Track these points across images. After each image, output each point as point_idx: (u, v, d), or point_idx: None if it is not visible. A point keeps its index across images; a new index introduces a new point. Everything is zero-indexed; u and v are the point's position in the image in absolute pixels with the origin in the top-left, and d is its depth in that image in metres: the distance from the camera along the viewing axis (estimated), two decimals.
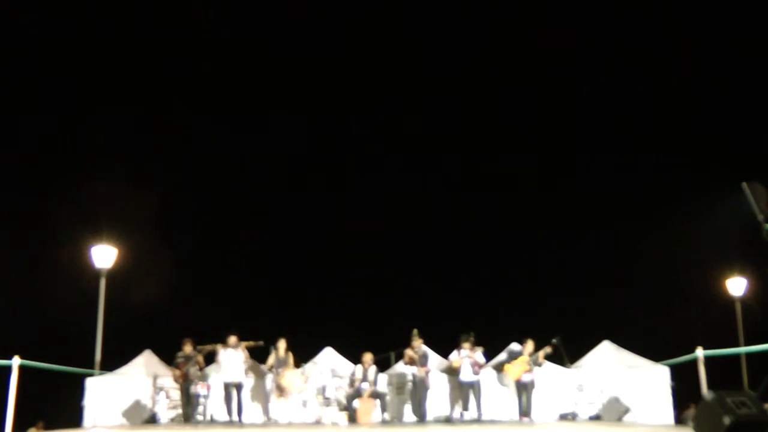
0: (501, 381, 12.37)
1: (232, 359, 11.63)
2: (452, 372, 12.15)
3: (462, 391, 11.70)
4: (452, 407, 12.16)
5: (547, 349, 11.86)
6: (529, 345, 11.96)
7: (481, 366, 11.70)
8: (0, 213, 19.84)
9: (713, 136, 23.94)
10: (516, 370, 11.82)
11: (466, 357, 11.59)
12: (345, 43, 25.69)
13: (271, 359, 11.83)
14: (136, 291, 18.65)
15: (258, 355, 12.06)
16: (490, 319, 18.25)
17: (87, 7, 24.22)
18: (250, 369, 12.18)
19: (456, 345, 11.84)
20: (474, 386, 11.57)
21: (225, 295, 20.92)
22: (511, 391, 12.10)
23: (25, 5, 23.46)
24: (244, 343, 11.70)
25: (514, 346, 12.56)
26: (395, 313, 19.79)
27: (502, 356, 12.65)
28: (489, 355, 12.08)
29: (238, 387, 11.64)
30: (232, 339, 11.68)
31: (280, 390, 11.73)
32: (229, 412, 11.57)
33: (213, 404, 12.13)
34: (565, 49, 25.24)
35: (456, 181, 25.52)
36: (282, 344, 11.86)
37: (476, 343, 11.69)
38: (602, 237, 22.82)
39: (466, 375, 11.60)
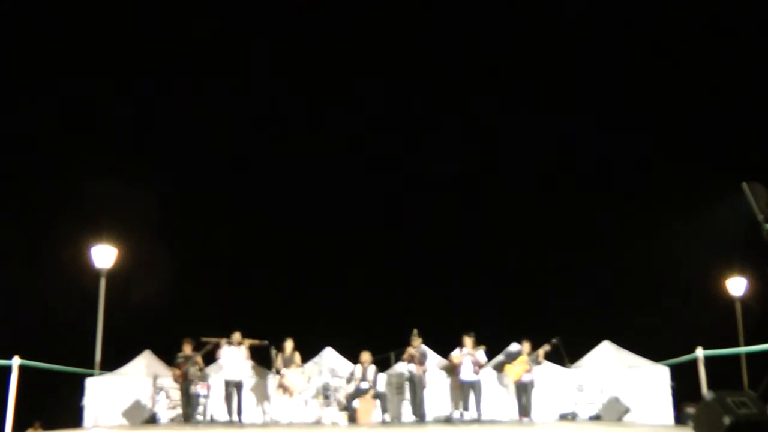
0: (501, 381, 12.38)
1: (234, 357, 11.64)
2: (452, 371, 12.15)
3: (462, 390, 11.70)
4: (452, 407, 12.16)
5: (546, 348, 11.87)
6: (527, 345, 11.97)
7: (481, 365, 11.70)
8: (0, 213, 19.86)
9: (713, 135, 23.96)
10: (516, 370, 11.82)
11: (468, 355, 11.59)
12: (343, 44, 25.67)
13: (279, 361, 11.82)
14: (136, 291, 18.66)
15: (259, 354, 12.07)
16: (490, 319, 18.25)
17: (87, 7, 24.22)
18: (252, 368, 12.20)
19: (456, 345, 11.84)
20: (474, 386, 11.56)
21: (225, 295, 20.92)
22: (511, 392, 12.12)
23: (25, 5, 23.47)
24: (248, 341, 11.72)
25: (514, 347, 12.56)
26: (395, 313, 19.80)
27: (501, 357, 12.66)
28: (489, 356, 12.07)
29: (239, 386, 11.64)
30: (236, 336, 11.70)
31: (284, 389, 11.73)
32: (229, 412, 11.57)
33: (213, 404, 12.14)
34: (565, 42, 25.21)
35: (456, 181, 25.51)
36: (289, 344, 11.87)
37: (477, 343, 11.70)
38: (602, 237, 22.84)
39: (466, 374, 11.59)
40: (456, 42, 26.39)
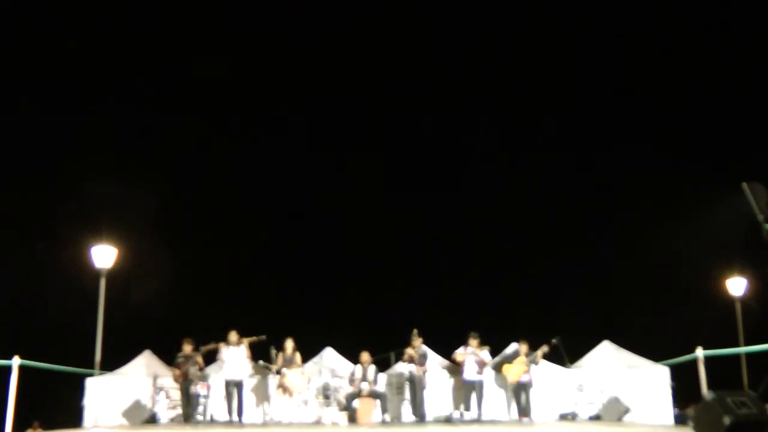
0: (498, 382, 12.37)
1: (234, 357, 11.64)
2: (455, 371, 12.15)
3: (464, 390, 11.69)
4: (454, 407, 12.15)
5: (545, 348, 11.87)
6: (524, 345, 11.97)
7: (485, 365, 11.70)
8: (0, 213, 19.85)
9: (713, 135, 23.98)
10: (515, 370, 11.81)
11: (472, 354, 11.59)
12: (343, 44, 25.67)
13: (280, 361, 11.82)
14: (136, 291, 18.68)
15: (259, 352, 12.06)
16: (491, 319, 18.25)
17: (87, 7, 24.23)
18: (253, 368, 12.20)
19: (457, 345, 11.84)
20: (476, 385, 11.55)
21: (225, 295, 20.94)
22: (508, 392, 12.11)
23: (25, 5, 23.48)
24: (246, 340, 11.72)
25: (512, 347, 12.55)
26: (395, 313, 19.81)
27: (499, 358, 12.64)
28: (491, 355, 12.07)
29: (239, 385, 11.63)
30: (233, 335, 11.70)
31: (284, 389, 11.73)
32: (230, 412, 11.57)
33: (213, 404, 12.14)
34: (565, 42, 25.24)
35: (455, 181, 25.53)
36: (290, 344, 11.87)
37: (481, 343, 11.70)
38: (602, 237, 22.84)
39: (469, 374, 11.59)
40: (456, 42, 26.42)
